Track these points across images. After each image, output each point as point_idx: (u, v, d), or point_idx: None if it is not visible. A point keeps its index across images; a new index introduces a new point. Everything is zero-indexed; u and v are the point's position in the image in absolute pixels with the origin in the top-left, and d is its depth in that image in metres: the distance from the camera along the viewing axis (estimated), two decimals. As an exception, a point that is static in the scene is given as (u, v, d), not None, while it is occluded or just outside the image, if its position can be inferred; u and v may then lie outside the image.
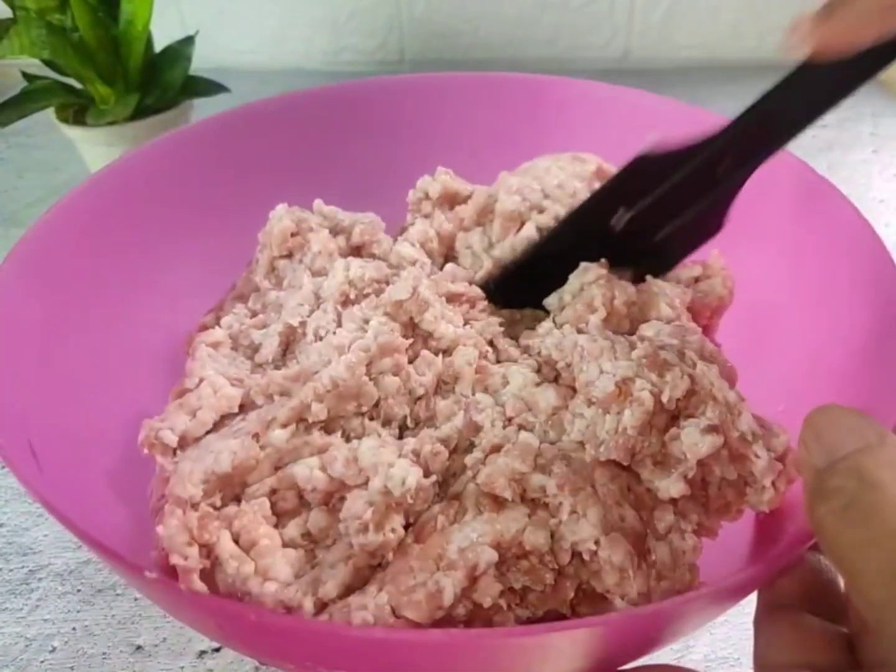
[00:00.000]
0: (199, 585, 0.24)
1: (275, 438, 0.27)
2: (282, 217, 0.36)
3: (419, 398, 0.29)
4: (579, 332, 0.30)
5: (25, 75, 0.55)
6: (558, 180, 0.37)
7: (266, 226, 0.37)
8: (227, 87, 0.59)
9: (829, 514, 0.16)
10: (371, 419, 0.29)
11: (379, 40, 0.83)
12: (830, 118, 0.79)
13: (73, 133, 0.56)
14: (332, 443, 0.27)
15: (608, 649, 0.20)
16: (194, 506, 0.25)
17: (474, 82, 0.46)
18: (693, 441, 0.24)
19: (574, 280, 0.32)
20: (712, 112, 0.37)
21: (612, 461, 0.25)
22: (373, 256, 0.36)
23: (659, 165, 0.30)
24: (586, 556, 0.24)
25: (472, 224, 0.37)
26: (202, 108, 0.58)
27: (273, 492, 0.27)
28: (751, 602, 0.23)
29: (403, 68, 0.84)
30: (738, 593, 0.21)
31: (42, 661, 0.32)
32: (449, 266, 0.33)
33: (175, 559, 0.24)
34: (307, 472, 0.26)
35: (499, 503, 0.25)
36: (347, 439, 0.28)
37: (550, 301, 0.33)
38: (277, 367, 0.33)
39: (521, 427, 0.27)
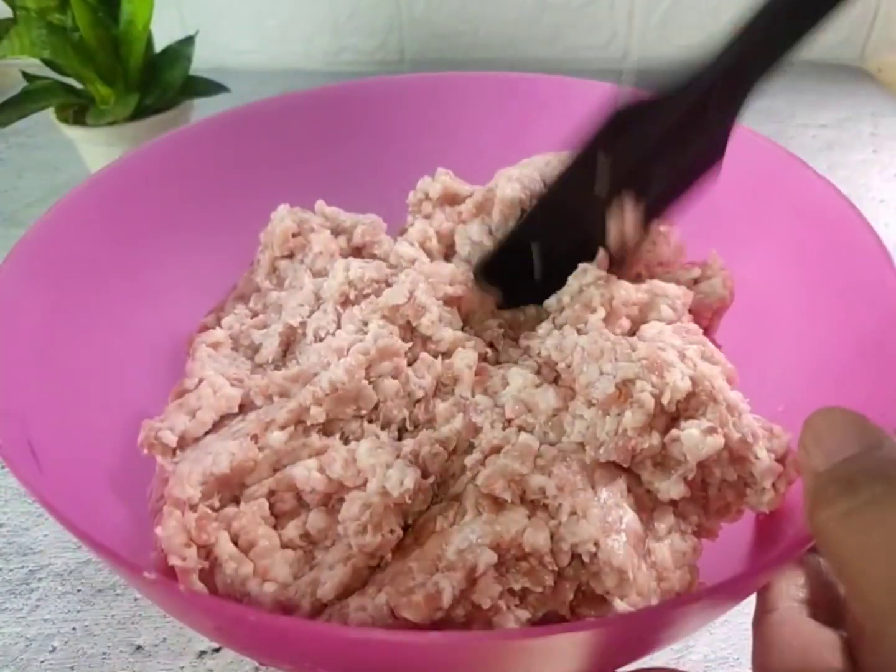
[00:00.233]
0: (199, 586, 0.24)
1: (273, 440, 0.27)
2: (283, 217, 0.36)
3: (418, 401, 0.29)
4: (579, 332, 0.30)
5: (25, 75, 0.55)
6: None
7: (268, 226, 0.37)
8: (227, 87, 0.59)
9: (830, 521, 0.16)
10: (370, 422, 0.29)
11: (379, 40, 0.83)
12: (830, 118, 0.79)
13: (73, 133, 0.56)
14: (330, 445, 0.27)
15: (607, 651, 0.20)
16: (193, 507, 0.25)
17: (474, 82, 0.46)
18: (693, 443, 0.24)
19: (573, 281, 0.32)
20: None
21: (612, 462, 0.25)
22: (374, 257, 0.36)
23: (640, 117, 0.29)
24: (586, 558, 0.24)
25: (470, 217, 0.37)
26: (202, 108, 0.58)
27: (272, 493, 0.27)
28: (751, 602, 0.23)
29: (403, 68, 0.84)
30: (736, 596, 0.21)
31: (42, 661, 0.32)
32: (448, 268, 0.33)
33: (173, 560, 0.24)
34: (306, 473, 0.26)
35: (498, 504, 0.25)
36: (346, 441, 0.28)
37: (549, 302, 0.33)
38: (277, 368, 0.33)
39: (520, 428, 0.27)
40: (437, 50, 0.83)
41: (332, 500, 0.26)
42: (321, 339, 0.32)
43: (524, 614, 0.24)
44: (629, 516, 0.24)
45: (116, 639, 0.32)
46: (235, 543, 0.25)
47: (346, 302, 0.33)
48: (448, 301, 0.32)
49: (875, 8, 0.78)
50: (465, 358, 0.29)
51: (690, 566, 0.25)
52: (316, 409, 0.27)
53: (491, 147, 0.44)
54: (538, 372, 0.30)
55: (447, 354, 0.30)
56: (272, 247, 0.37)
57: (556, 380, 0.29)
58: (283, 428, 0.27)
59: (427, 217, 0.39)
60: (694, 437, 0.25)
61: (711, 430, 0.25)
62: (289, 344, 0.34)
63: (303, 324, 0.33)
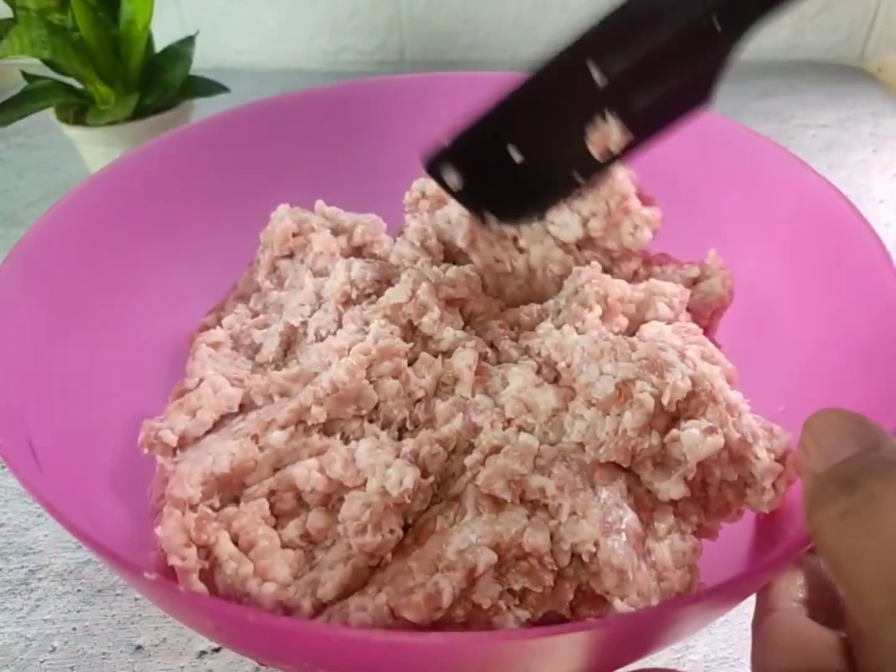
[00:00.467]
0: (199, 586, 0.24)
1: (274, 440, 0.27)
2: (283, 217, 0.36)
3: (418, 401, 0.29)
4: (577, 331, 0.30)
5: (25, 75, 0.55)
6: None
7: (268, 226, 0.37)
8: (227, 87, 0.59)
9: (827, 521, 0.16)
10: (370, 422, 0.29)
11: (379, 40, 0.83)
12: (830, 118, 0.79)
13: (73, 133, 0.56)
14: (330, 444, 0.27)
15: (607, 651, 0.20)
16: (193, 507, 0.25)
17: (474, 82, 0.45)
18: (693, 442, 0.24)
19: (568, 284, 0.32)
20: (712, 111, 0.36)
21: (612, 462, 0.25)
22: (374, 257, 0.36)
23: (633, 27, 0.28)
24: (586, 558, 0.24)
25: None
26: (202, 108, 0.58)
27: (272, 493, 0.27)
28: (751, 603, 0.23)
29: (403, 68, 0.84)
30: (736, 596, 0.21)
31: (42, 661, 0.32)
32: (451, 269, 0.33)
33: (173, 560, 0.24)
34: (306, 473, 0.26)
35: (498, 504, 0.25)
36: (346, 441, 0.28)
37: (547, 304, 0.33)
38: (278, 368, 0.33)
39: (520, 428, 0.27)
40: (437, 50, 0.83)
41: (332, 499, 0.26)
42: (322, 339, 0.32)
43: (524, 614, 0.24)
44: (629, 516, 0.24)
45: (116, 639, 0.32)
46: (235, 543, 0.25)
47: (347, 301, 0.33)
48: (450, 302, 0.32)
49: (875, 8, 0.78)
50: (466, 358, 0.29)
51: (690, 566, 0.25)
52: (316, 408, 0.27)
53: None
54: (538, 372, 0.30)
55: (448, 354, 0.30)
56: (272, 246, 0.37)
57: (556, 380, 0.29)
58: (283, 428, 0.27)
59: (427, 214, 0.39)
60: (694, 437, 0.25)
61: (711, 430, 0.25)
62: (289, 344, 0.34)
63: (304, 323, 0.33)
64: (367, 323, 0.31)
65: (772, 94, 0.74)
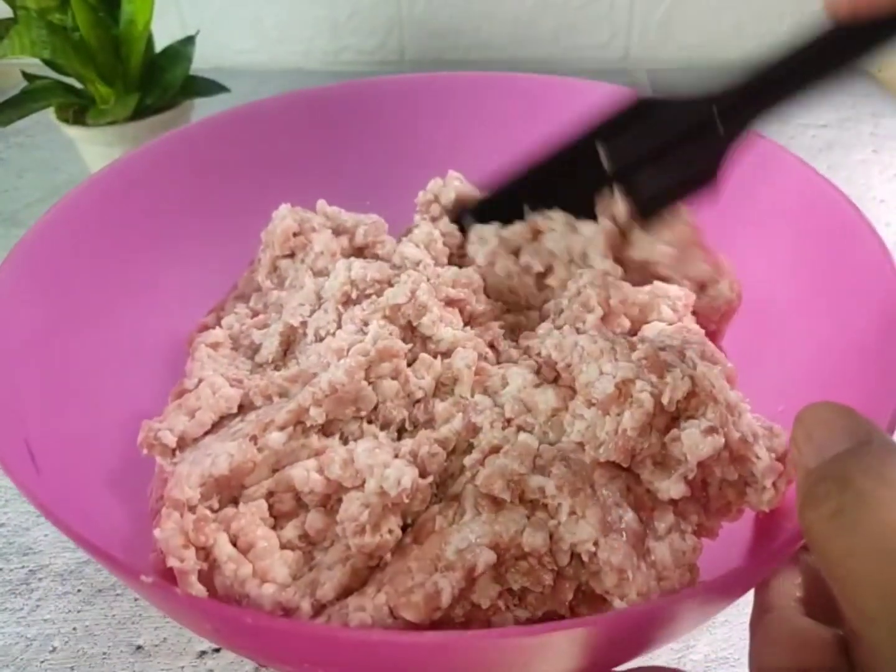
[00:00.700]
0: (198, 588, 0.24)
1: (272, 441, 0.27)
2: (285, 216, 0.36)
3: (418, 401, 0.29)
4: (578, 332, 0.30)
5: (25, 75, 0.55)
6: None
7: (269, 225, 0.37)
8: (227, 87, 0.59)
9: (818, 521, 0.16)
10: (369, 422, 0.29)
11: (379, 40, 0.83)
12: (830, 118, 0.79)
13: (73, 133, 0.56)
14: (329, 445, 0.27)
15: (605, 648, 0.20)
16: (191, 508, 0.25)
17: (474, 82, 0.46)
18: (694, 442, 0.24)
19: (571, 285, 0.33)
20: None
21: (612, 462, 0.25)
22: (376, 257, 0.36)
23: (658, 110, 0.31)
24: (585, 558, 0.24)
25: None
26: (202, 108, 0.58)
27: (270, 494, 0.27)
28: (751, 602, 0.23)
29: (403, 68, 0.84)
30: (731, 592, 0.21)
31: (42, 661, 0.32)
32: (452, 270, 0.33)
33: (171, 562, 0.24)
34: (304, 474, 0.26)
35: (497, 504, 0.25)
36: (345, 442, 0.28)
37: (548, 306, 0.33)
38: (277, 368, 0.33)
39: (520, 428, 0.27)
40: (437, 50, 0.83)
41: (331, 500, 0.26)
42: (322, 339, 0.32)
43: (523, 614, 0.24)
44: (629, 516, 0.24)
45: (116, 639, 0.32)
46: (234, 544, 0.25)
47: (347, 302, 0.33)
48: (450, 303, 0.32)
49: (875, 8, 0.78)
50: (465, 358, 0.29)
51: (690, 565, 0.25)
52: (315, 409, 0.27)
53: (490, 146, 0.44)
54: (538, 372, 0.30)
55: (447, 355, 0.30)
56: (273, 246, 0.37)
57: (555, 380, 0.29)
58: (282, 429, 0.27)
59: (434, 220, 0.39)
60: (694, 437, 0.24)
61: (711, 430, 0.25)
62: (289, 344, 0.34)
63: (303, 323, 0.33)
64: (366, 323, 0.31)
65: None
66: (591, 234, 0.34)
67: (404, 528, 0.25)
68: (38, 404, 0.28)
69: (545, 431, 0.27)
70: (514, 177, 0.36)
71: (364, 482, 0.25)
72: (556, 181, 0.35)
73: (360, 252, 0.37)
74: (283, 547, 0.25)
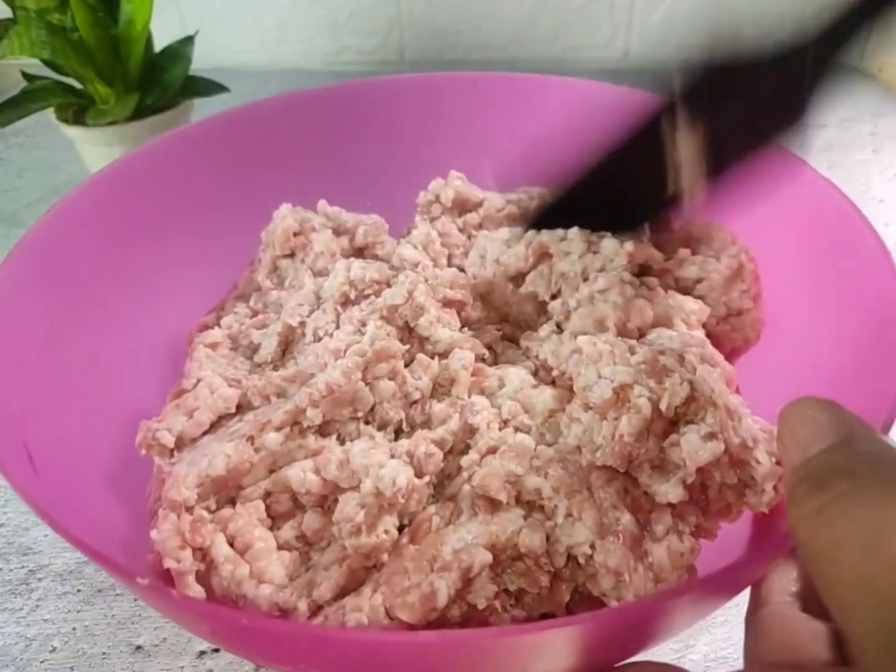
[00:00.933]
0: (195, 589, 0.24)
1: (269, 441, 0.27)
2: (285, 216, 0.36)
3: (415, 402, 0.29)
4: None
5: (25, 75, 0.55)
6: None
7: (270, 225, 0.37)
8: (227, 87, 0.59)
9: (802, 519, 0.16)
10: (366, 423, 0.29)
11: (379, 40, 0.83)
12: (830, 118, 0.79)
13: (73, 133, 0.56)
14: (325, 446, 0.27)
15: (600, 646, 0.20)
16: (189, 509, 0.25)
17: (474, 82, 0.46)
18: (693, 448, 0.24)
19: (584, 288, 0.32)
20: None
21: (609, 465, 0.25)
22: (376, 258, 0.36)
23: (728, 75, 0.29)
24: (582, 560, 0.23)
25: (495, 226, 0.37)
26: (202, 108, 0.58)
27: (267, 494, 0.27)
28: (750, 602, 0.23)
29: (403, 68, 0.84)
30: (726, 588, 0.21)
31: (42, 661, 0.32)
32: (449, 271, 0.33)
33: (168, 563, 0.24)
34: (301, 474, 0.26)
35: (494, 505, 0.25)
36: (342, 443, 0.28)
37: (553, 306, 0.33)
38: (276, 368, 0.33)
39: (517, 429, 0.27)
40: (437, 50, 0.83)
41: (327, 501, 0.26)
42: (320, 340, 0.32)
43: (520, 615, 0.24)
44: (626, 518, 0.24)
45: (116, 639, 0.32)
46: (231, 545, 0.25)
47: (346, 302, 0.33)
48: (447, 304, 0.32)
49: (876, 7, 0.78)
50: (462, 359, 0.29)
51: (689, 566, 0.25)
52: (312, 410, 0.27)
53: (490, 147, 0.44)
54: (535, 373, 0.30)
55: (444, 355, 0.30)
56: (273, 245, 0.37)
57: (553, 381, 0.29)
58: (279, 429, 0.27)
59: (434, 220, 0.39)
60: (693, 443, 0.24)
61: (711, 436, 0.24)
62: (288, 344, 0.34)
63: (302, 323, 0.33)
64: (363, 324, 0.31)
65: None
66: (612, 252, 0.32)
67: (401, 529, 0.25)
68: (37, 405, 0.28)
69: (542, 433, 0.27)
70: (573, 181, 0.33)
71: (360, 482, 0.25)
72: (611, 185, 0.32)
73: (360, 252, 0.37)
74: (279, 548, 0.25)
